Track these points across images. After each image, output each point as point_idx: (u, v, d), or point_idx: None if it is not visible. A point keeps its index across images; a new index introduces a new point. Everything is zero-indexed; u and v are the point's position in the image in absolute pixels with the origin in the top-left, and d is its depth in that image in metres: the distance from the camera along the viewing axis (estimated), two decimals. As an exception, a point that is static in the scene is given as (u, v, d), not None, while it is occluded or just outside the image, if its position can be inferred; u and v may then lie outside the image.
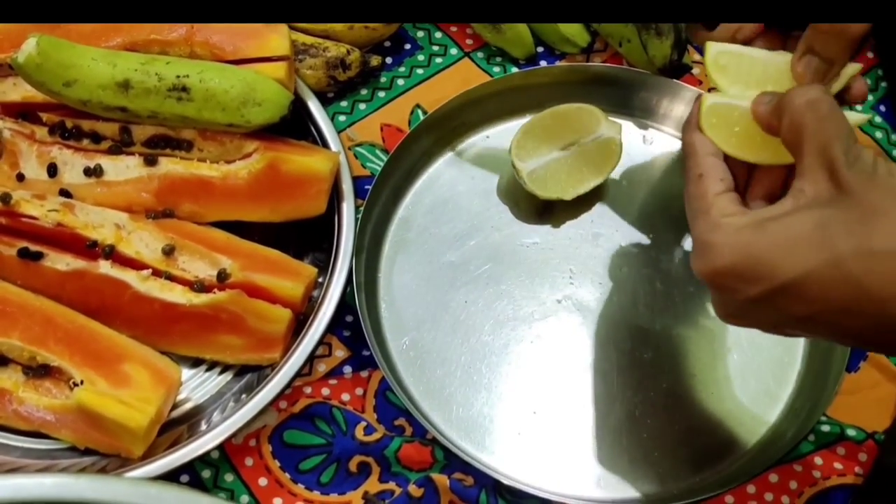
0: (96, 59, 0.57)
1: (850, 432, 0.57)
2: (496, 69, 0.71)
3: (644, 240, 0.64)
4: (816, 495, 0.56)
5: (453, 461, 0.55)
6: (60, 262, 0.57)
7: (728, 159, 0.48)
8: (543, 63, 0.72)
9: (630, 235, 0.64)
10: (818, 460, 0.57)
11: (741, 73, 0.49)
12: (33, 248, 0.57)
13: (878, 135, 0.70)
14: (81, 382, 0.53)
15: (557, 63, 0.72)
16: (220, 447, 0.56)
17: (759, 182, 0.48)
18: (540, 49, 0.72)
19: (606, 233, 0.64)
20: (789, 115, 0.43)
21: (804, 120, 0.42)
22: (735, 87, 0.49)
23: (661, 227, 0.64)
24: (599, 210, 0.65)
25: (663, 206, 0.66)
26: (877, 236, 0.39)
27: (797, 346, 0.60)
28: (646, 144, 0.68)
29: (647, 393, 0.58)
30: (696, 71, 0.72)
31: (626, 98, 0.68)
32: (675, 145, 0.68)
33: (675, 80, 0.67)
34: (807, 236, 0.40)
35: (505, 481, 0.53)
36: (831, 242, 0.40)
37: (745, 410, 0.58)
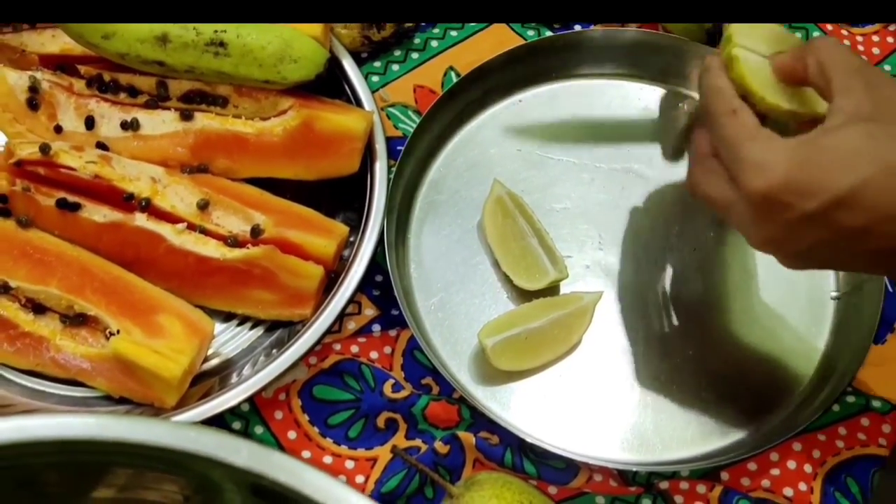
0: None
1: (875, 403, 0.58)
2: (530, 32, 0.71)
3: (674, 208, 0.64)
4: (839, 465, 0.56)
5: (479, 420, 0.56)
6: (97, 213, 0.58)
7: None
8: (577, 27, 0.71)
9: (661, 203, 0.64)
10: (842, 430, 0.57)
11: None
12: (71, 199, 0.58)
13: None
14: (118, 332, 0.54)
15: (592, 27, 0.71)
16: (251, 400, 0.57)
17: None
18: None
19: (636, 200, 0.64)
20: (815, 55, 0.46)
21: (832, 54, 0.46)
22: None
23: (685, 206, 0.64)
24: (629, 178, 0.65)
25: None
26: None
27: (825, 317, 0.60)
28: (681, 112, 0.68)
29: (673, 359, 0.59)
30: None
31: (662, 64, 0.68)
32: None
33: (705, 46, 0.66)
34: (858, 148, 0.42)
35: (530, 440, 0.54)
36: (882, 152, 0.42)
37: (771, 380, 0.58)
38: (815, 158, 0.43)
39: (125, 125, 0.61)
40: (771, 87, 0.49)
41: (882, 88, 0.44)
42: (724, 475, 0.56)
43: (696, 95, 0.68)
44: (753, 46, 0.50)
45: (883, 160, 0.42)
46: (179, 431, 0.37)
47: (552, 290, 0.60)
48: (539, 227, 0.61)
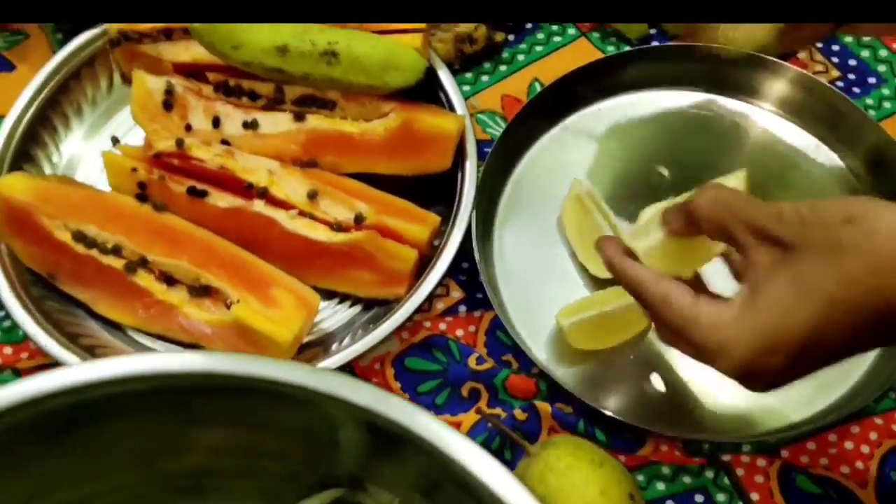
0: (261, 25, 0.66)
1: (932, 393, 0.61)
2: (610, 48, 0.77)
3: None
4: (895, 447, 0.59)
5: (555, 392, 0.62)
6: (222, 199, 0.66)
7: None
8: (655, 43, 0.77)
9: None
10: (899, 415, 0.60)
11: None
12: (200, 186, 0.66)
13: None
14: (238, 301, 0.62)
15: (668, 43, 0.77)
16: (350, 367, 0.64)
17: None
18: (653, 31, 0.78)
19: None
20: (704, 218, 0.47)
21: (718, 214, 0.46)
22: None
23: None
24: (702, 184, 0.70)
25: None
26: (846, 265, 0.41)
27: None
28: (752, 124, 0.72)
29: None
30: (801, 55, 0.76)
31: (737, 77, 0.73)
32: (775, 123, 0.72)
33: (777, 60, 0.71)
34: (794, 295, 0.42)
35: (602, 411, 0.59)
36: (816, 289, 0.42)
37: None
38: (763, 322, 0.43)
39: (246, 125, 0.69)
40: (674, 259, 0.51)
41: (783, 223, 0.43)
42: (784, 452, 0.60)
43: (761, 105, 0.73)
44: (642, 234, 0.52)
45: (822, 295, 0.42)
46: (311, 373, 0.43)
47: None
48: (614, 222, 0.66)
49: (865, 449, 0.59)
